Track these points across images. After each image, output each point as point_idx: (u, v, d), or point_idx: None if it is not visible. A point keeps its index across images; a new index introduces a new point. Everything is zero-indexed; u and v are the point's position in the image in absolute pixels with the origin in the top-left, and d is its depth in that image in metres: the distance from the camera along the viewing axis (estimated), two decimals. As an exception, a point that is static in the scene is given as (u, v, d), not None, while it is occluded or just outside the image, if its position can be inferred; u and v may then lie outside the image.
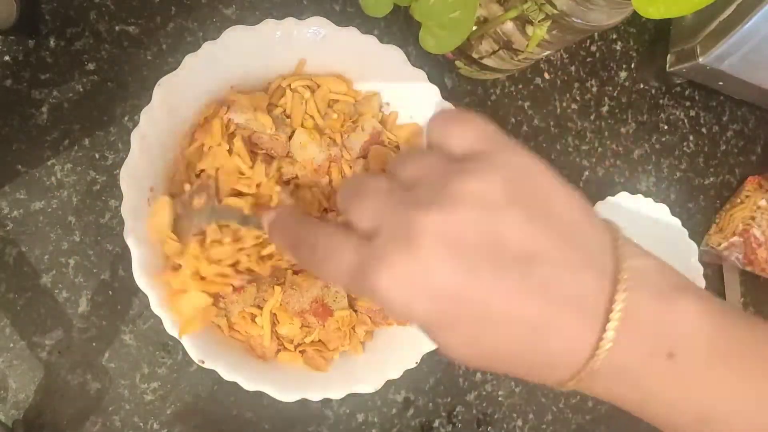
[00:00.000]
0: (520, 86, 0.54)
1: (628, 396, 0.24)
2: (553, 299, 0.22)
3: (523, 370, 0.24)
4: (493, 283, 0.22)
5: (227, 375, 0.35)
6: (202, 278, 0.34)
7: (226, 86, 0.39)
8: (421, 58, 0.50)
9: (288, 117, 0.40)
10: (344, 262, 0.24)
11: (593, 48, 0.57)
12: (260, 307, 0.37)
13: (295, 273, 0.38)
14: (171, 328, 0.34)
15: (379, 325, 0.41)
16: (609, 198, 0.52)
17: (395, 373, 0.39)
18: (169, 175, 0.37)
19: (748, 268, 0.57)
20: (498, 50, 0.46)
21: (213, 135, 0.37)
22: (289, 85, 0.41)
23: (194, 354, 0.34)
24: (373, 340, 0.42)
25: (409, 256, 0.22)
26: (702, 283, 0.54)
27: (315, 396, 0.37)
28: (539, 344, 0.22)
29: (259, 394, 0.37)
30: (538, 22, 0.40)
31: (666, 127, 0.59)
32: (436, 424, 0.49)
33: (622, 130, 0.57)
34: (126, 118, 0.44)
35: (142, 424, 0.43)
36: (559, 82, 0.55)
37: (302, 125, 0.40)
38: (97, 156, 0.43)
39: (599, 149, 0.56)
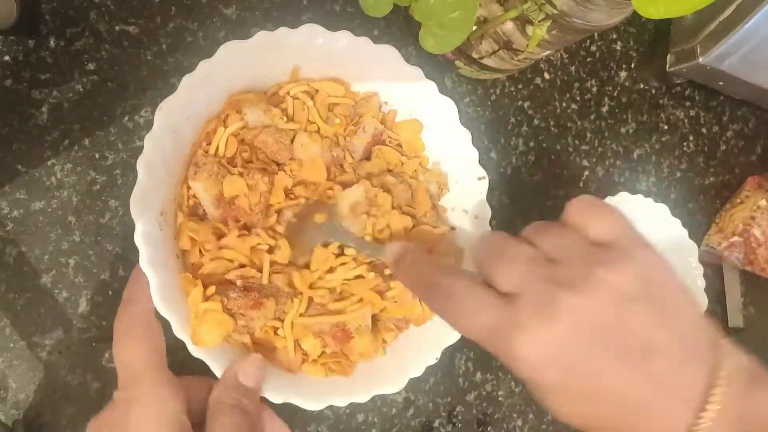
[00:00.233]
0: (520, 86, 0.54)
1: None
2: (663, 386, 0.25)
3: None
4: (615, 364, 0.25)
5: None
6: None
7: (221, 100, 0.40)
8: (421, 58, 0.50)
9: (290, 120, 0.41)
10: (483, 319, 0.27)
11: (593, 48, 0.57)
12: (281, 320, 0.37)
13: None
14: (193, 350, 0.34)
15: (403, 330, 0.41)
16: (609, 198, 0.52)
17: (417, 371, 0.39)
18: (177, 197, 0.38)
19: (748, 268, 0.57)
20: (498, 50, 0.46)
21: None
22: (288, 92, 0.41)
23: (217, 370, 0.34)
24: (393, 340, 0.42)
25: (549, 328, 0.25)
26: (702, 283, 0.54)
27: (341, 402, 0.37)
28: (641, 422, 0.26)
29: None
30: (538, 22, 0.40)
31: (666, 127, 0.59)
32: (436, 424, 0.49)
33: (622, 130, 0.57)
34: (126, 118, 0.44)
35: (142, 424, 0.43)
36: (559, 82, 0.55)
37: (305, 131, 0.41)
38: (97, 156, 0.43)
39: (599, 149, 0.56)
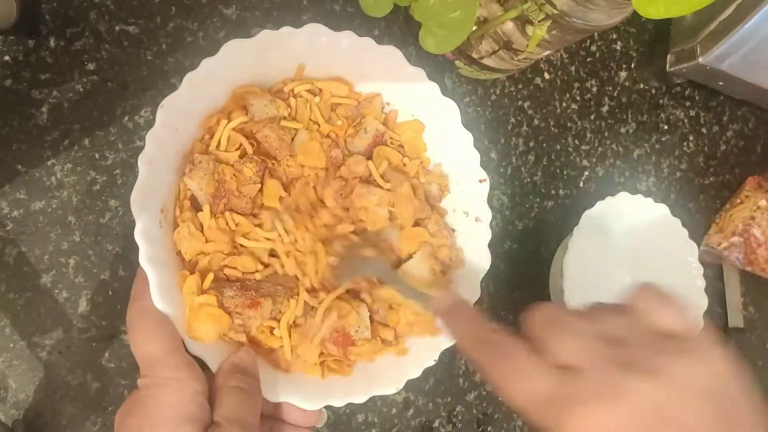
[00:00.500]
0: (520, 86, 0.54)
1: None
2: None
3: None
4: None
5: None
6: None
7: (223, 97, 0.40)
8: (421, 58, 0.50)
9: (293, 118, 0.41)
10: (539, 386, 0.26)
11: (593, 48, 0.57)
12: (278, 320, 0.37)
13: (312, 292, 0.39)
14: (191, 346, 0.34)
15: (405, 336, 0.41)
16: (609, 198, 0.52)
17: (415, 372, 0.39)
18: (177, 195, 0.38)
19: (748, 268, 0.57)
20: (498, 50, 0.46)
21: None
22: (292, 90, 0.41)
23: (214, 367, 0.34)
24: None
25: (610, 409, 0.24)
26: (702, 283, 0.54)
27: (338, 402, 0.37)
28: None
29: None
30: (538, 22, 0.40)
31: (666, 127, 0.59)
32: (436, 424, 0.49)
33: (622, 130, 0.57)
34: (126, 118, 0.44)
35: (142, 424, 0.43)
36: (559, 82, 0.55)
37: (307, 129, 0.41)
38: (97, 156, 0.43)
39: (599, 149, 0.56)
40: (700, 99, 0.60)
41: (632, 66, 0.58)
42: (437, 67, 0.51)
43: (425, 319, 0.39)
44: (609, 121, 0.57)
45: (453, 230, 0.43)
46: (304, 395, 0.36)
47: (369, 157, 0.42)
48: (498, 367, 0.28)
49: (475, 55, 0.48)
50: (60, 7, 0.43)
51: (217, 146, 0.38)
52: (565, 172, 0.55)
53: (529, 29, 0.42)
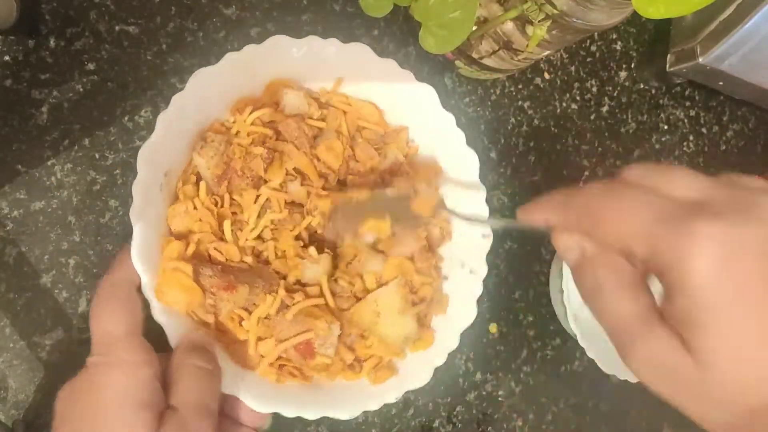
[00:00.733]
0: (520, 86, 0.54)
1: None
2: None
3: None
4: None
5: None
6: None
7: (258, 88, 0.40)
8: (421, 58, 0.50)
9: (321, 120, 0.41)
10: (654, 207, 0.23)
11: (593, 48, 0.57)
12: (249, 311, 0.37)
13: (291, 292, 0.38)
14: (156, 310, 0.33)
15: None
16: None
17: (374, 405, 0.38)
18: (184, 165, 0.38)
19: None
20: (498, 50, 0.46)
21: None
22: (329, 101, 0.42)
23: (173, 341, 0.34)
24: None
25: (751, 226, 0.21)
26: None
27: (289, 412, 0.36)
28: None
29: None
30: (538, 22, 0.40)
31: (666, 127, 0.59)
32: (436, 424, 0.49)
33: (622, 130, 0.57)
34: (126, 118, 0.44)
35: (142, 424, 0.43)
36: (559, 82, 0.55)
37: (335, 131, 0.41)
38: (97, 156, 0.43)
39: (599, 149, 0.56)
40: (700, 99, 0.60)
41: (632, 66, 0.58)
42: (437, 67, 0.51)
43: (393, 354, 0.39)
44: (609, 121, 0.57)
45: (445, 278, 0.42)
46: (257, 395, 0.35)
47: (381, 181, 0.42)
48: (600, 208, 0.24)
49: (475, 55, 0.48)
50: (60, 7, 0.43)
51: (237, 133, 0.38)
52: (565, 172, 0.55)
53: (529, 29, 0.42)
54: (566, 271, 0.48)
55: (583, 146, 0.56)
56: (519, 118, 0.54)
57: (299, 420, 0.44)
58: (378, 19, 0.48)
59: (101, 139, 0.43)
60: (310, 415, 0.36)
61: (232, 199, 0.38)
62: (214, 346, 0.35)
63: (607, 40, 0.57)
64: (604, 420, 0.55)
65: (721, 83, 0.55)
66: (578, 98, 0.56)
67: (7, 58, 0.42)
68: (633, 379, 0.49)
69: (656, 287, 0.24)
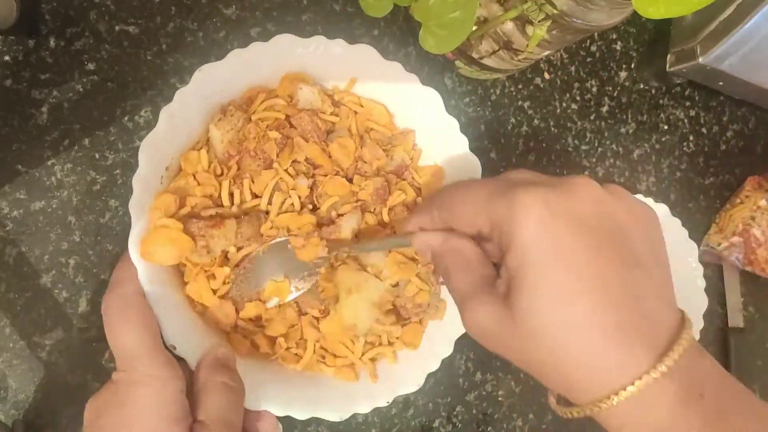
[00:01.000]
0: (520, 86, 0.54)
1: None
2: (638, 304, 0.25)
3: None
4: (610, 259, 0.25)
5: (193, 362, 0.35)
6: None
7: (262, 85, 0.40)
8: (421, 58, 0.50)
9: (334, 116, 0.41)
10: (489, 187, 0.27)
11: (593, 48, 0.57)
12: (239, 249, 0.37)
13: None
14: (144, 277, 0.33)
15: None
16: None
17: (365, 408, 0.38)
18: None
19: (748, 268, 0.57)
20: (498, 50, 0.46)
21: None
22: (341, 100, 0.42)
23: (166, 336, 0.34)
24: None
25: (559, 195, 0.25)
26: (702, 283, 0.54)
27: (277, 411, 0.36)
28: (593, 351, 0.24)
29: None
30: (538, 22, 0.40)
31: (666, 127, 0.59)
32: (436, 424, 0.49)
33: (622, 130, 0.57)
34: (126, 118, 0.44)
35: (142, 424, 0.43)
36: (559, 82, 0.55)
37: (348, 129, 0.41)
38: (97, 156, 0.43)
39: (599, 149, 0.56)
40: (700, 99, 0.60)
41: (632, 66, 0.58)
42: (437, 67, 0.51)
43: (338, 337, 0.39)
44: (609, 121, 0.57)
45: (442, 282, 0.42)
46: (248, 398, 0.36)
47: (386, 181, 0.42)
48: (456, 198, 0.29)
49: (475, 55, 0.48)
50: (60, 7, 0.43)
51: (254, 113, 0.39)
52: (565, 172, 0.55)
53: (529, 29, 0.42)
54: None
55: (583, 146, 0.56)
56: (519, 118, 0.54)
57: (298, 419, 0.44)
58: (378, 19, 0.48)
59: (101, 139, 0.43)
60: (299, 414, 0.36)
61: (238, 171, 0.38)
62: (235, 359, 0.36)
63: (607, 40, 0.57)
64: (604, 420, 0.55)
65: (721, 83, 0.55)
66: (578, 98, 0.56)
67: (7, 58, 0.42)
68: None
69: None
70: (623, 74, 0.58)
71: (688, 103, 0.59)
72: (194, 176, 0.37)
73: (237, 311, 0.38)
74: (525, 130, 0.54)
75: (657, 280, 0.26)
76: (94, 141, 0.43)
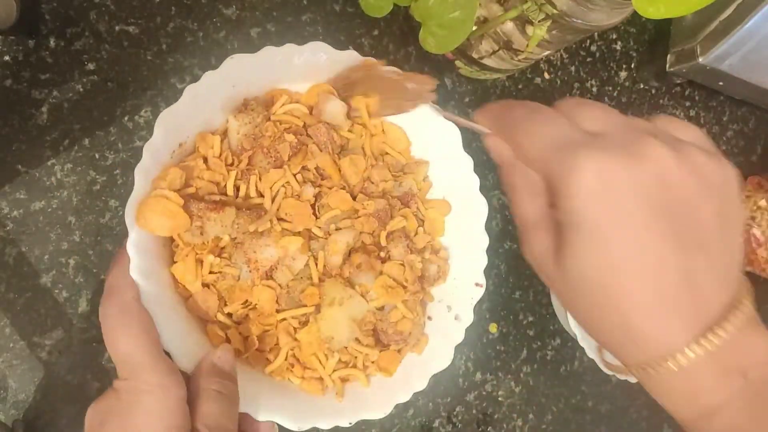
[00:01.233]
0: (520, 86, 0.54)
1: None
2: (691, 286, 0.24)
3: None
4: (666, 238, 0.24)
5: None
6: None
7: (296, 85, 0.40)
8: (421, 58, 0.50)
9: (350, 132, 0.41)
10: (560, 134, 0.26)
11: (593, 48, 0.57)
12: (234, 239, 0.37)
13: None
14: (133, 243, 0.33)
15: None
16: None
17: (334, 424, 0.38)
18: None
19: (748, 268, 0.57)
20: (498, 50, 0.46)
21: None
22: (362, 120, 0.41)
23: (135, 273, 0.33)
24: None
25: (625, 164, 0.24)
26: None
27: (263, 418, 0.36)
28: (644, 320, 0.24)
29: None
30: (538, 22, 0.40)
31: (666, 127, 0.59)
32: (436, 424, 0.49)
33: (622, 130, 0.57)
34: (126, 118, 0.44)
35: (142, 424, 0.43)
36: (559, 82, 0.55)
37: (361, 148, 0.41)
38: (97, 156, 0.43)
39: (599, 149, 0.56)
40: (700, 99, 0.60)
41: (632, 66, 0.58)
42: (437, 67, 0.51)
43: (312, 349, 0.39)
44: (609, 121, 0.57)
45: (429, 318, 0.42)
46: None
47: (389, 204, 0.41)
48: (522, 123, 0.28)
49: (475, 55, 0.48)
50: (60, 7, 0.43)
51: (274, 113, 0.39)
52: (565, 172, 0.55)
53: (529, 29, 0.42)
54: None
55: (583, 146, 0.56)
56: (519, 118, 0.54)
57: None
58: (378, 19, 0.48)
59: (101, 139, 0.43)
60: (258, 415, 0.36)
61: (248, 166, 0.38)
62: (234, 361, 0.35)
63: (607, 40, 0.57)
64: (603, 420, 0.55)
65: (721, 83, 0.55)
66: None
67: (7, 58, 0.42)
68: (633, 380, 0.49)
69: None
70: (623, 74, 0.58)
71: (688, 103, 0.59)
72: (205, 160, 0.37)
73: (221, 304, 0.38)
74: (525, 130, 0.54)
75: (721, 262, 0.25)
76: (94, 141, 0.43)
